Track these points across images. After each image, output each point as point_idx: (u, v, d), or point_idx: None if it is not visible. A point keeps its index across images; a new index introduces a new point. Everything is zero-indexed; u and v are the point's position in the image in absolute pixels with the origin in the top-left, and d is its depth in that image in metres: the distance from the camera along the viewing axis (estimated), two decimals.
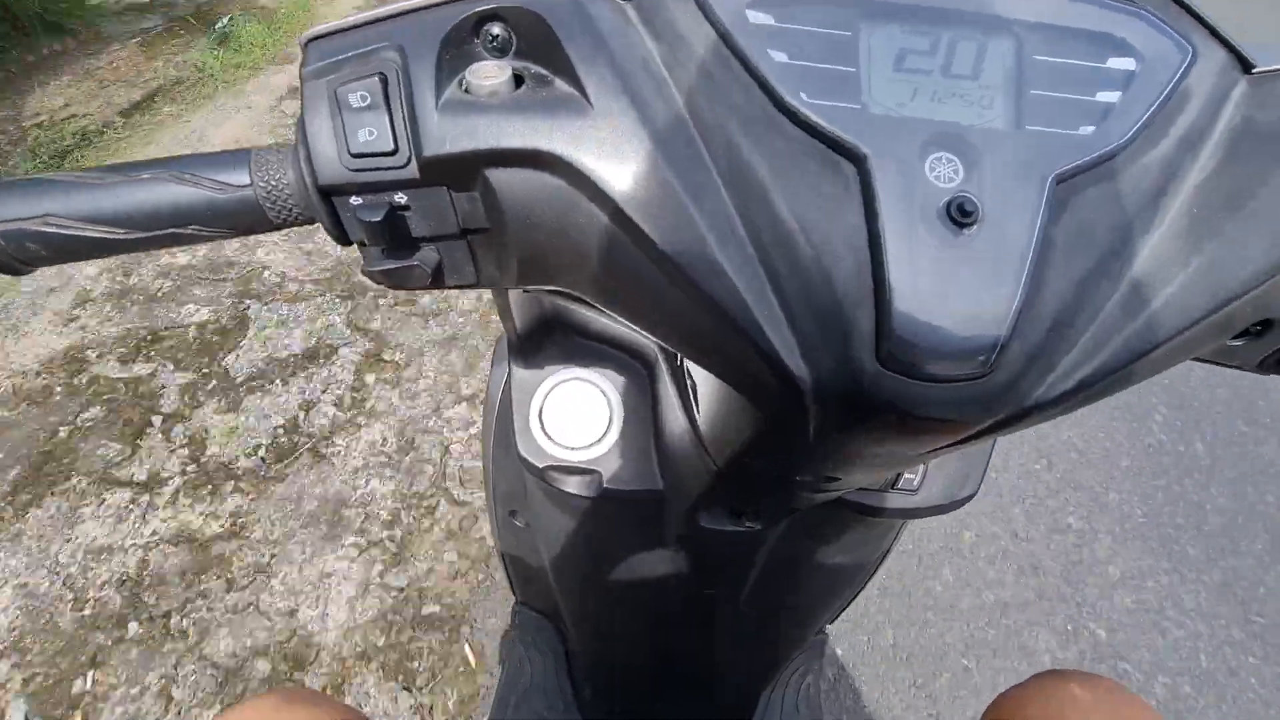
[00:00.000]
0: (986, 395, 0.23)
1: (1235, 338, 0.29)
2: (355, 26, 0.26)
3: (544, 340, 0.47)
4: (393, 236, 0.27)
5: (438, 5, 0.25)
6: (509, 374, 0.48)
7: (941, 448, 0.26)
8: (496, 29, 0.25)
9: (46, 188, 0.26)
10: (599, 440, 0.45)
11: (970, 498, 0.46)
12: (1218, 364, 0.32)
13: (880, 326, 0.22)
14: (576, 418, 0.45)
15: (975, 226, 0.22)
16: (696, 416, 0.38)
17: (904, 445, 0.26)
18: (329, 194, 0.26)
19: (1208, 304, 0.24)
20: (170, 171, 0.27)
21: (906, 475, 0.45)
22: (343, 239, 0.28)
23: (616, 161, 0.24)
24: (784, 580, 0.53)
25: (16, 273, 0.28)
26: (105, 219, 0.26)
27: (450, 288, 0.31)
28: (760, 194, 0.23)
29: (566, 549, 0.56)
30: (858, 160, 0.23)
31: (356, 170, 0.25)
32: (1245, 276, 0.24)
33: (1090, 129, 0.24)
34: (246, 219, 0.28)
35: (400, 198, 0.26)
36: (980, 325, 0.22)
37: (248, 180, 0.27)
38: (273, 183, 0.27)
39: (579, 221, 0.26)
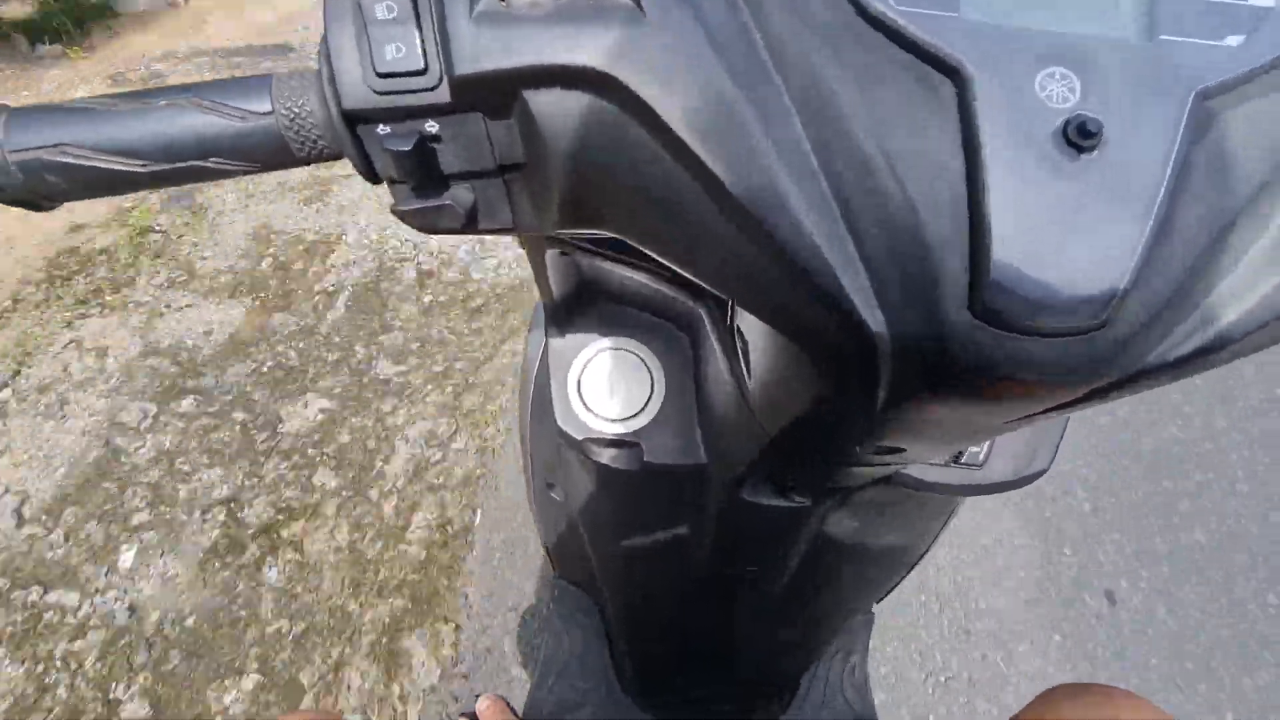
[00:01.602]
0: (1097, 354, 0.20)
1: None
2: None
3: (582, 307, 0.45)
4: (423, 172, 0.25)
5: None
6: (545, 342, 0.47)
7: (1033, 415, 0.23)
8: None
9: (62, 115, 0.25)
10: (640, 411, 0.43)
11: (1041, 473, 0.42)
12: None
13: (976, 271, 0.19)
14: (616, 388, 0.44)
15: (1097, 151, 0.19)
16: (747, 382, 0.36)
17: (990, 413, 0.23)
18: (354, 121, 0.24)
19: None
20: (189, 97, 0.25)
21: (971, 449, 0.41)
22: (371, 175, 0.26)
23: (674, 80, 0.21)
24: (829, 559, 0.50)
25: (39, 208, 0.27)
26: (122, 149, 0.25)
27: (484, 232, 0.28)
28: (838, 118, 0.20)
29: (604, 523, 0.54)
30: (954, 75, 0.20)
31: (384, 93, 0.23)
32: None
33: (1239, 39, 0.20)
34: (269, 150, 0.26)
35: (431, 126, 0.24)
36: (1098, 268, 0.19)
37: (269, 107, 0.25)
38: (295, 110, 0.25)
39: (629, 151, 0.23)
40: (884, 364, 0.22)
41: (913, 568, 0.63)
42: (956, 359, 0.20)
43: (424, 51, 0.22)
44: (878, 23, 0.20)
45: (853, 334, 0.21)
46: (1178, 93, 0.19)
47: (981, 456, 0.41)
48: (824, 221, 0.21)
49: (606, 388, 0.44)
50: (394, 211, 0.26)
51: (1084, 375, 0.20)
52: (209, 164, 0.26)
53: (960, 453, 0.41)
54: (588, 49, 0.21)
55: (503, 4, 0.22)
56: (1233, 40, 0.20)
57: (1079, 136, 0.19)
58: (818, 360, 0.26)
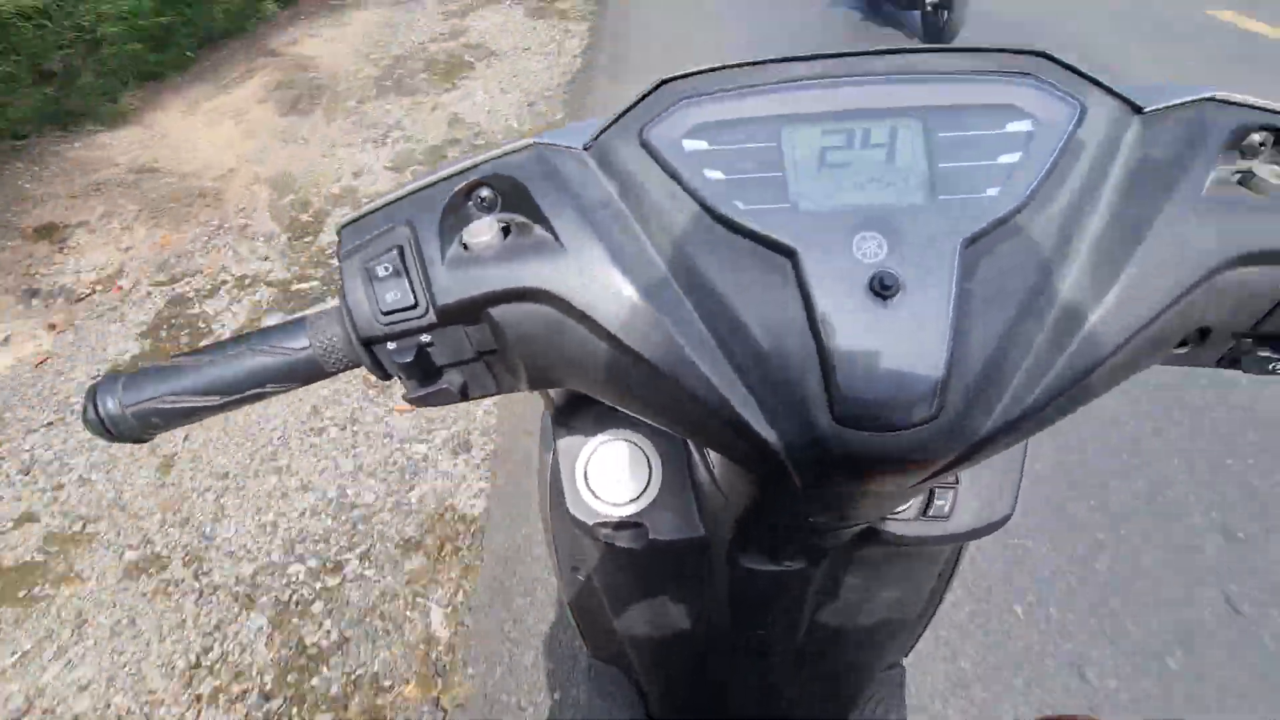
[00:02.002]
0: (936, 439, 0.26)
1: (1179, 346, 0.31)
2: (374, 210, 0.32)
3: (583, 408, 0.51)
4: (422, 368, 0.33)
5: (435, 183, 0.31)
6: (555, 444, 0.53)
7: (915, 485, 0.29)
8: (484, 192, 0.31)
9: (161, 374, 0.34)
10: (642, 494, 0.48)
11: (1006, 519, 0.46)
12: (1179, 366, 0.33)
13: (829, 392, 0.26)
14: (619, 476, 0.49)
15: (899, 295, 0.26)
16: (714, 472, 0.42)
17: (878, 489, 0.29)
18: (369, 344, 0.32)
19: (1133, 325, 0.26)
20: (248, 346, 0.34)
21: (937, 502, 0.46)
22: (383, 375, 0.34)
23: (590, 288, 0.29)
24: (837, 616, 0.55)
25: (139, 441, 0.35)
26: (204, 391, 0.33)
27: (476, 398, 0.36)
28: (714, 296, 0.28)
29: (626, 598, 0.59)
30: (789, 254, 0.27)
31: (388, 325, 0.31)
32: (1158, 302, 0.26)
33: (996, 190, 0.27)
34: (307, 371, 0.34)
35: (425, 338, 0.32)
36: (916, 378, 0.25)
37: (306, 344, 0.33)
38: (325, 342, 0.33)
39: (569, 338, 0.30)
40: (787, 464, 0.28)
41: (929, 619, 0.66)
42: (833, 455, 0.27)
43: (414, 293, 0.30)
44: (729, 222, 0.28)
45: (758, 447, 0.28)
46: (951, 242, 0.26)
47: (947, 509, 0.45)
48: (717, 370, 0.28)
49: (610, 476, 0.48)
50: (405, 399, 0.34)
51: (932, 455, 0.26)
52: (266, 389, 0.34)
53: (928, 506, 0.46)
54: (527, 275, 0.29)
55: (465, 250, 0.31)
56: (991, 191, 0.27)
57: (882, 289, 0.26)
58: (745, 466, 0.32)
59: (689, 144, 0.29)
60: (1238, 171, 0.29)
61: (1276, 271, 0.28)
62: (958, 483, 0.45)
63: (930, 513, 0.46)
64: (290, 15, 5.01)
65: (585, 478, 0.49)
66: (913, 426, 0.26)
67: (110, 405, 0.33)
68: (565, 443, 0.51)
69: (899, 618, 0.60)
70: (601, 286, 0.29)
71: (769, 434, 0.27)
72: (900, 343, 0.26)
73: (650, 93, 0.30)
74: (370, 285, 0.31)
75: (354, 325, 0.31)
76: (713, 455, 0.41)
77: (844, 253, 0.27)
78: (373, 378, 0.35)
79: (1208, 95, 0.29)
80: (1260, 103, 0.29)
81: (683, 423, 0.31)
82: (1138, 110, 0.28)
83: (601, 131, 0.31)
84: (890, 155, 0.28)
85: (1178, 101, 0.29)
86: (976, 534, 0.46)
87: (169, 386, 0.33)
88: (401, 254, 0.30)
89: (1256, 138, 0.29)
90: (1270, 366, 0.32)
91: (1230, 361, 0.33)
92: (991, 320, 0.26)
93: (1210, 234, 0.27)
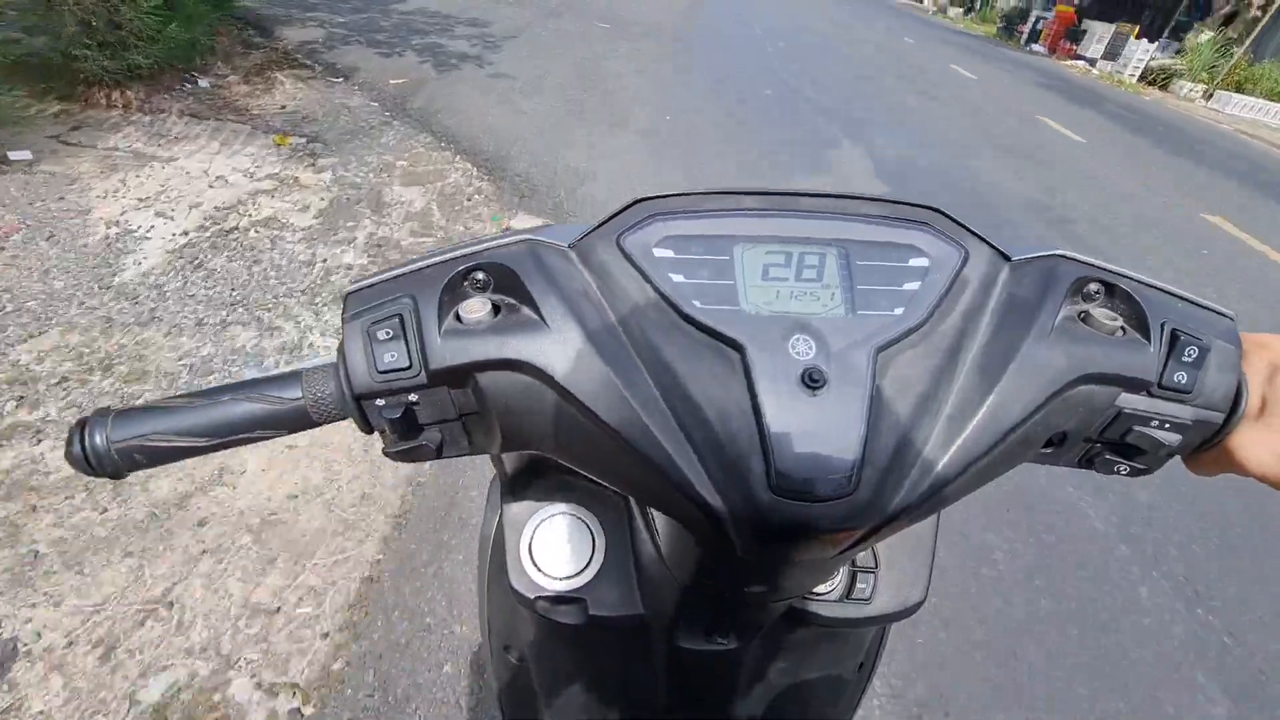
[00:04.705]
0: (855, 508, 0.31)
1: (1045, 446, 0.38)
2: (381, 282, 0.36)
3: (533, 479, 0.52)
4: (407, 424, 0.36)
5: (438, 264, 0.36)
6: (501, 512, 0.54)
7: (842, 551, 0.34)
8: (480, 275, 0.36)
9: (152, 413, 0.35)
10: (584, 569, 0.49)
11: (920, 604, 0.51)
12: (1046, 464, 0.40)
13: (767, 466, 0.31)
14: (563, 549, 0.49)
15: (825, 388, 0.32)
16: (659, 543, 0.46)
17: (808, 552, 0.34)
18: (361, 399, 0.35)
19: (1005, 427, 0.33)
20: (243, 393, 0.36)
21: (859, 586, 0.50)
22: (367, 429, 0.36)
23: (568, 364, 0.33)
24: (769, 697, 0.57)
25: (118, 477, 0.36)
26: (193, 433, 0.35)
27: (450, 457, 0.39)
28: (674, 378, 0.33)
29: (560, 680, 0.59)
30: (738, 349, 0.33)
31: (382, 383, 0.34)
32: (1024, 407, 0.33)
33: (901, 310, 0.34)
34: (295, 421, 0.37)
35: (413, 397, 0.35)
36: (839, 458, 0.31)
37: (299, 395, 0.36)
38: (318, 394, 0.36)
39: (546, 406, 0.35)
40: (730, 529, 0.32)
41: (859, 697, 0.69)
42: (769, 522, 0.31)
43: (410, 356, 0.34)
44: (690, 319, 0.33)
45: (706, 511, 0.32)
46: (867, 349, 0.33)
47: (869, 592, 0.50)
48: (675, 443, 0.32)
49: (554, 549, 0.49)
50: (385, 453, 0.37)
51: (853, 524, 0.31)
52: (254, 435, 0.36)
53: (850, 590, 0.50)
54: (513, 349, 0.34)
55: (459, 323, 0.35)
56: (898, 311, 0.34)
57: (811, 381, 0.31)
58: (691, 530, 0.36)
59: (658, 251, 0.35)
60: (1081, 311, 0.37)
61: (1111, 391, 0.36)
62: (878, 566, 0.49)
63: (853, 595, 0.50)
64: None
65: (529, 549, 0.50)
66: (836, 499, 0.31)
67: (98, 440, 0.34)
68: (513, 512, 0.52)
69: (827, 697, 0.62)
70: (578, 362, 0.33)
71: (716, 500, 0.32)
72: (826, 428, 0.31)
73: (628, 207, 0.36)
74: (370, 346, 0.34)
75: (349, 380, 0.34)
76: (659, 525, 0.44)
77: (781, 350, 0.33)
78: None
79: (1060, 253, 0.38)
80: (1096, 261, 0.38)
81: (641, 487, 0.35)
82: (1007, 259, 0.37)
83: (586, 234, 0.36)
84: (819, 275, 0.35)
85: (1037, 255, 0.37)
86: (895, 617, 0.51)
87: (159, 425, 0.35)
88: (402, 321, 0.34)
89: (1093, 287, 0.37)
90: (1115, 468, 0.39)
91: (1086, 462, 0.40)
92: (898, 415, 0.32)
93: (1061, 358, 0.34)
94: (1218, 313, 0.38)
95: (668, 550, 0.44)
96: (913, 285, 0.35)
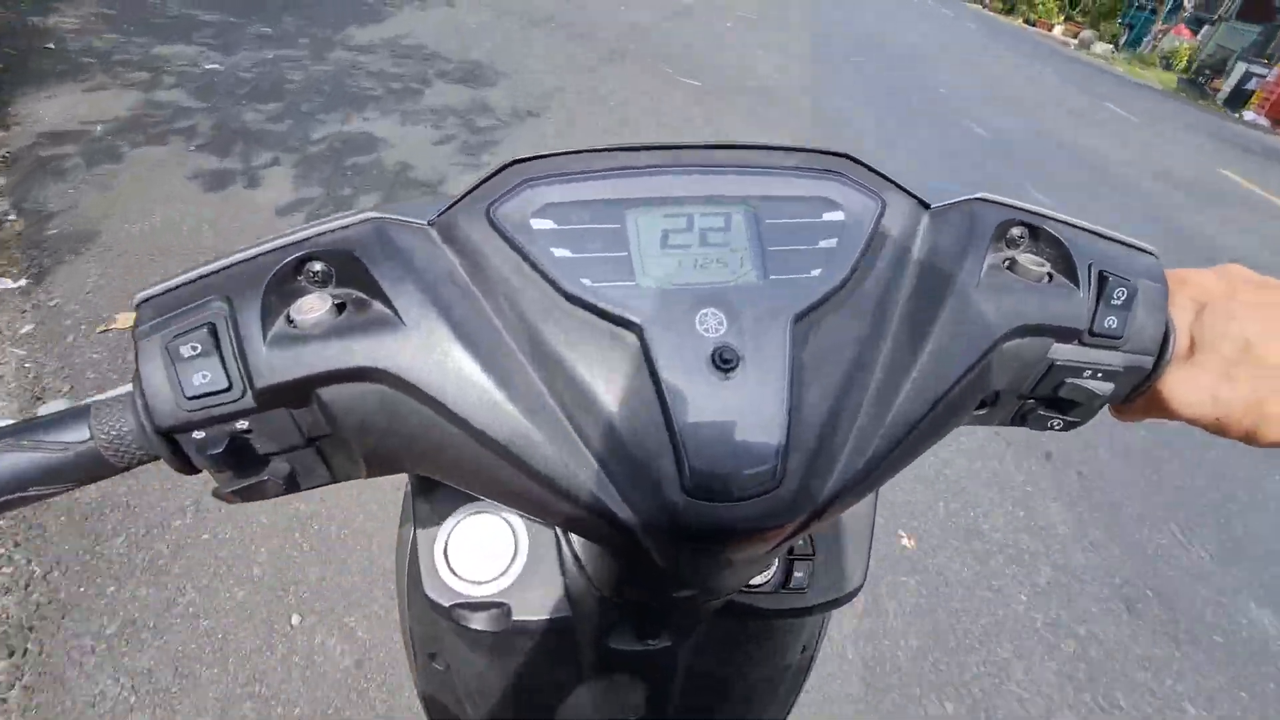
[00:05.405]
0: (783, 502, 0.27)
1: (979, 408, 0.35)
2: (184, 284, 0.28)
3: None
4: (240, 459, 0.29)
5: (260, 255, 0.29)
6: (414, 515, 0.48)
7: (770, 550, 0.30)
8: (317, 266, 0.29)
9: None
10: (505, 572, 0.45)
11: (857, 590, 0.49)
12: (980, 426, 0.38)
13: (679, 465, 0.26)
14: (482, 552, 0.45)
15: (739, 368, 0.27)
16: (577, 554, 0.40)
17: (737, 552, 0.29)
18: (170, 434, 0.28)
19: (938, 392, 0.30)
20: (8, 441, 0.28)
21: (796, 575, 0.47)
22: (188, 469, 0.29)
23: (432, 367, 0.27)
24: (708, 694, 0.53)
25: None
26: None
27: (308, 489, 0.32)
28: (564, 373, 0.27)
29: (486, 690, 0.54)
30: (636, 329, 0.27)
31: (194, 410, 0.27)
32: (957, 368, 0.30)
33: (818, 270, 0.30)
34: (88, 468, 0.29)
35: (242, 425, 0.28)
36: (760, 447, 0.26)
37: (88, 435, 0.28)
38: (113, 432, 0.28)
39: (409, 420, 0.28)
40: (643, 540, 0.27)
41: (799, 685, 0.67)
42: (688, 529, 0.26)
43: (227, 374, 0.27)
44: (577, 300, 0.28)
45: (615, 525, 0.27)
46: (784, 317, 0.28)
47: (805, 582, 0.47)
48: (568, 449, 0.27)
49: (472, 553, 0.45)
50: (215, 494, 0.30)
51: (781, 520, 0.27)
52: (29, 494, 0.28)
53: (787, 580, 0.47)
54: (360, 354, 0.27)
55: (292, 327, 0.28)
56: (815, 272, 0.30)
57: (722, 363, 0.27)
58: (601, 545, 0.31)
59: (537, 222, 0.29)
60: (1006, 259, 0.34)
61: (1042, 343, 0.33)
62: (814, 555, 0.46)
63: (790, 585, 0.47)
64: None
65: (445, 555, 0.45)
66: (761, 495, 0.26)
67: None
68: (426, 516, 0.46)
69: (769, 689, 0.60)
70: (445, 364, 0.27)
71: (624, 512, 0.27)
72: (743, 415, 0.27)
73: (498, 172, 0.30)
74: (172, 366, 0.27)
75: (149, 412, 0.27)
76: (574, 537, 0.39)
77: (687, 328, 0.28)
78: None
79: (978, 196, 0.34)
80: (1017, 203, 0.35)
81: (536, 506, 0.29)
82: (926, 206, 0.33)
83: (448, 208, 0.30)
84: (726, 239, 0.30)
85: (956, 200, 0.34)
86: (832, 605, 0.48)
87: None
88: (214, 331, 0.27)
89: (1016, 231, 0.35)
90: (1049, 423, 0.37)
91: (1020, 419, 0.38)
92: (823, 390, 0.28)
93: (991, 311, 0.31)
94: (1140, 249, 0.36)
95: (586, 559, 0.39)
96: (829, 242, 0.31)
